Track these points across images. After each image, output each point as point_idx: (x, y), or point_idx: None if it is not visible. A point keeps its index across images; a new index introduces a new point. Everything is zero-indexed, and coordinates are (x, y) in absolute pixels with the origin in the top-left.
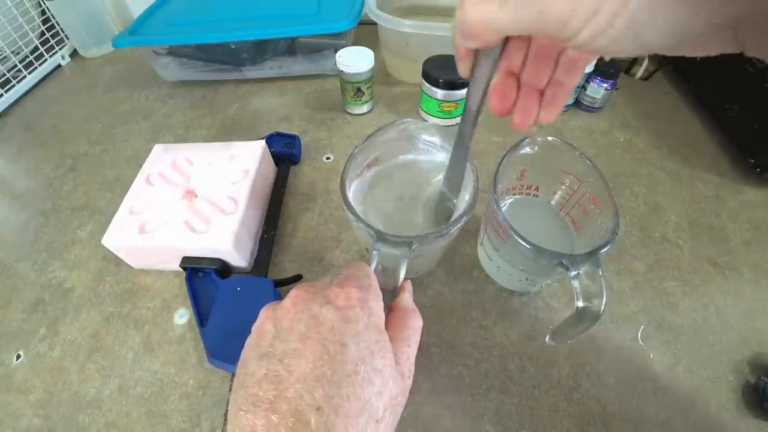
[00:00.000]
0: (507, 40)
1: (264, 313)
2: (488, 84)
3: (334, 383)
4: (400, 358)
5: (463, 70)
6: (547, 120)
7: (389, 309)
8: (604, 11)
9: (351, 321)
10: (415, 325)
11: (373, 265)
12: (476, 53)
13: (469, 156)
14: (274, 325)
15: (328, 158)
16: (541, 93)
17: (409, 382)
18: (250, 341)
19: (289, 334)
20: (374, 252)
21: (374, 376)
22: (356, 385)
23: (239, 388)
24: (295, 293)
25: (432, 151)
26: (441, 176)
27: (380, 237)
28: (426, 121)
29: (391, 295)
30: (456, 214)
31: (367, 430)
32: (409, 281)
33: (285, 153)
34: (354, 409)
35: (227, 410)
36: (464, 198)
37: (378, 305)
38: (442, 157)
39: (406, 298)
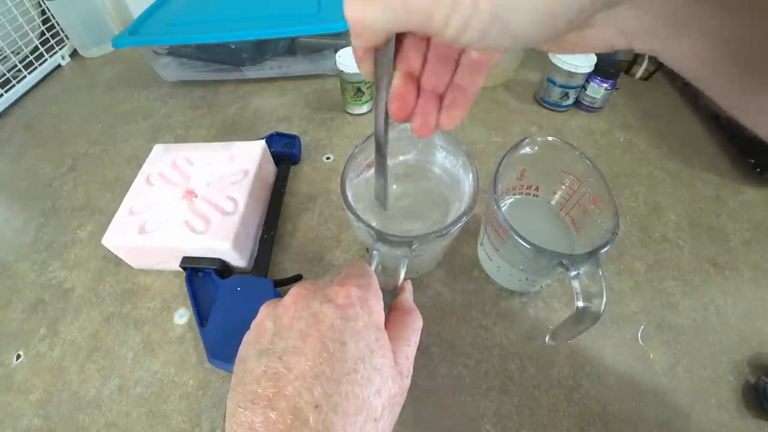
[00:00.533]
0: (400, 40)
1: (264, 310)
2: (389, 86)
3: (333, 381)
4: (399, 357)
5: (363, 72)
6: (448, 126)
7: (389, 309)
8: (465, 2)
9: (351, 319)
10: (415, 325)
11: (374, 265)
12: (375, 56)
13: (469, 161)
14: (274, 323)
15: (328, 158)
16: (441, 98)
17: (407, 381)
18: (249, 338)
19: (289, 331)
20: (374, 252)
21: (373, 375)
22: (355, 383)
23: (238, 385)
24: (295, 291)
25: (432, 150)
26: (441, 178)
27: (380, 237)
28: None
29: (391, 295)
30: (457, 214)
31: (365, 428)
32: (409, 281)
33: (285, 153)
34: (352, 407)
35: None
36: (464, 198)
37: (378, 304)
38: (442, 156)
39: (407, 298)
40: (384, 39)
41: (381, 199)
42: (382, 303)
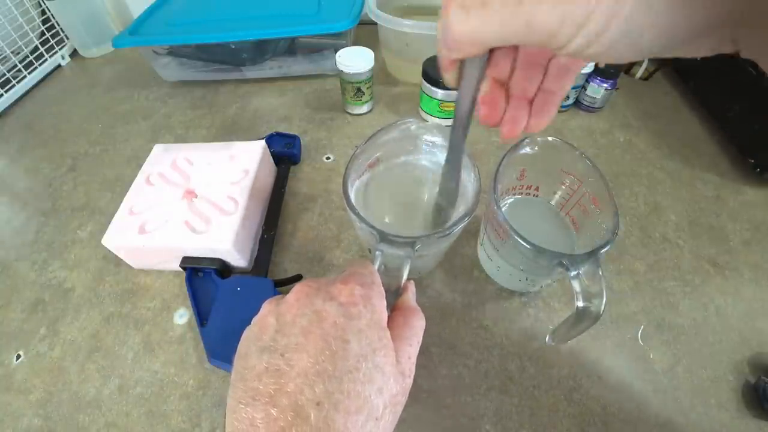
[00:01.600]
0: (493, 49)
1: (267, 307)
2: (476, 93)
3: (335, 379)
4: (401, 357)
5: (448, 79)
6: (538, 128)
7: (392, 309)
8: (594, 20)
9: (354, 317)
10: (417, 324)
11: (376, 266)
12: (462, 62)
13: (471, 160)
14: (277, 320)
15: (328, 158)
16: (531, 102)
17: (409, 381)
18: (250, 334)
19: (291, 328)
20: (377, 252)
21: (375, 374)
22: (357, 381)
23: (238, 381)
24: (298, 288)
25: (434, 151)
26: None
27: (383, 238)
28: (427, 121)
29: (394, 295)
30: (458, 215)
31: (366, 427)
32: (412, 282)
33: (285, 153)
34: (354, 405)
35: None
36: (466, 198)
37: (381, 303)
38: (444, 157)
39: (409, 298)
40: (485, 51)
41: (448, 204)
42: (384, 302)
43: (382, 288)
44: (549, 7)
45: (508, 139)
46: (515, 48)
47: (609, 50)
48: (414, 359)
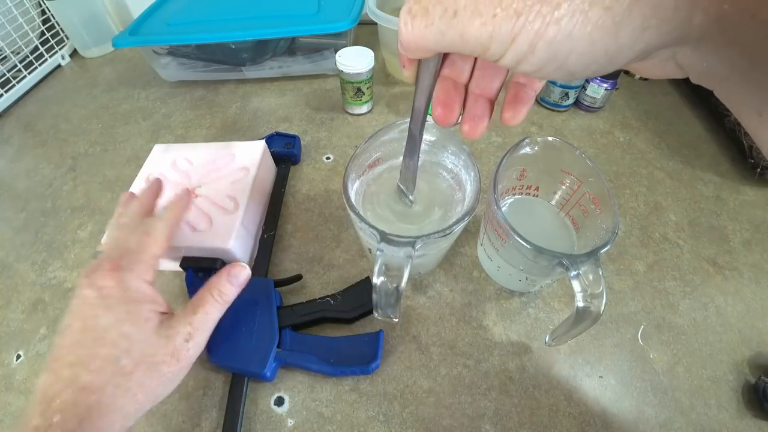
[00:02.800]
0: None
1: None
2: (431, 91)
3: (84, 347)
4: (178, 324)
5: (407, 75)
6: (515, 120)
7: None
8: (521, 41)
9: (106, 297)
10: (207, 298)
11: (377, 266)
12: (419, 61)
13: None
14: (69, 308)
15: (328, 158)
16: (492, 101)
17: (184, 345)
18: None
19: (69, 313)
20: (377, 253)
21: (120, 339)
22: (102, 346)
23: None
24: (79, 280)
25: (434, 150)
26: (443, 177)
27: (384, 238)
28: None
29: (394, 296)
30: (458, 214)
31: (113, 380)
32: (246, 269)
33: (285, 153)
34: (98, 363)
35: (226, 411)
36: (466, 197)
37: (139, 280)
38: (444, 156)
39: (217, 275)
40: (434, 55)
41: (408, 191)
42: (149, 276)
43: (152, 260)
44: (479, 24)
45: (471, 137)
46: None
47: (540, 70)
48: (197, 324)
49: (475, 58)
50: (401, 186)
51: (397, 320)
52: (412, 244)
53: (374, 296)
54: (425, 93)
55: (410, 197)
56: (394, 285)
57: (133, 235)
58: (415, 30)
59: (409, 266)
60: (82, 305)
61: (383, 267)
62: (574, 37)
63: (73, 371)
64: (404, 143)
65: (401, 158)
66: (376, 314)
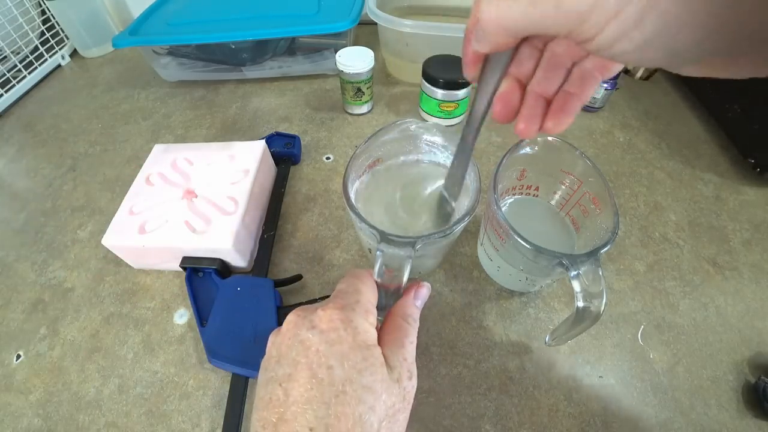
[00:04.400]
0: (519, 45)
1: (270, 339)
2: (495, 90)
3: (323, 404)
4: (394, 362)
5: (471, 74)
6: (556, 130)
7: (387, 314)
8: (629, 10)
9: (335, 343)
10: (407, 326)
11: (377, 266)
12: (485, 58)
13: (471, 159)
14: (277, 351)
15: (328, 158)
16: (549, 103)
17: (409, 383)
18: (261, 364)
19: (285, 359)
20: (378, 253)
21: (363, 394)
22: (345, 404)
23: (255, 411)
24: (289, 318)
25: (434, 151)
26: (443, 178)
27: (384, 238)
28: (426, 121)
29: (394, 296)
30: (458, 214)
31: None
32: (423, 286)
33: (285, 153)
34: (344, 426)
35: (226, 411)
36: (466, 198)
37: (365, 321)
38: (444, 157)
39: (405, 302)
40: (513, 43)
41: (452, 196)
42: (372, 318)
43: (369, 303)
44: None
45: (525, 137)
46: (541, 49)
47: (639, 49)
48: (411, 359)
49: (539, 58)
50: (445, 192)
51: None
52: (412, 245)
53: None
54: (490, 93)
55: (452, 204)
56: (395, 285)
57: (343, 281)
58: (501, 8)
59: (409, 266)
60: (303, 351)
61: (383, 267)
62: (693, 5)
63: None
64: (404, 143)
65: (401, 158)
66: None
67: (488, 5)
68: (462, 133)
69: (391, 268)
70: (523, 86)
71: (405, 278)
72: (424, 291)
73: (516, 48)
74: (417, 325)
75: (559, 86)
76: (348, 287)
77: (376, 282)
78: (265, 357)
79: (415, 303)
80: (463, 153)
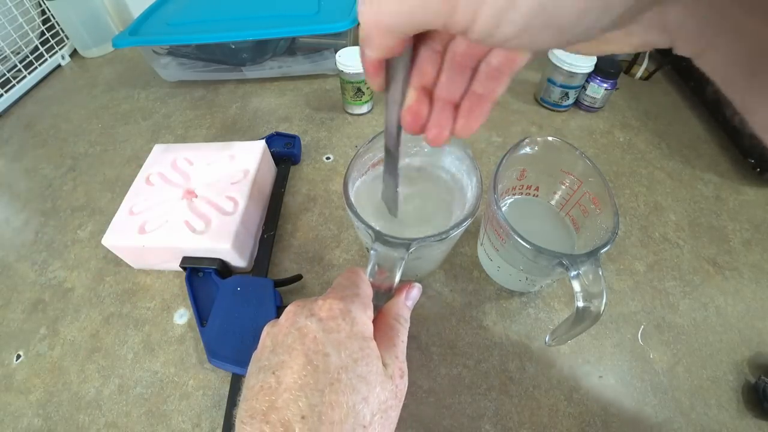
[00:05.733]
0: (415, 52)
1: (265, 330)
2: (403, 97)
3: (317, 392)
4: (388, 359)
5: (374, 84)
6: (467, 133)
7: (378, 312)
8: None
9: (333, 331)
10: (398, 325)
11: (370, 265)
12: (387, 66)
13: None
14: (272, 340)
15: (328, 158)
16: (456, 107)
17: (401, 382)
18: (253, 356)
19: (280, 347)
20: (371, 252)
21: (358, 383)
22: (339, 392)
23: (242, 402)
24: (288, 308)
25: (439, 154)
26: (444, 181)
27: (378, 237)
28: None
29: (386, 296)
30: (456, 219)
31: None
32: (414, 287)
33: (285, 153)
34: (338, 415)
35: (226, 411)
36: (465, 203)
37: (363, 314)
38: (449, 160)
39: (395, 302)
40: (400, 45)
41: (391, 207)
42: (370, 312)
43: (368, 298)
44: None
45: (435, 145)
46: (440, 51)
47: (524, 32)
48: (402, 357)
49: (441, 61)
50: (385, 204)
51: None
52: (407, 246)
53: None
54: (397, 102)
55: (395, 215)
56: (386, 285)
57: (340, 277)
58: (374, 9)
59: (401, 268)
60: (300, 338)
61: (376, 267)
62: None
63: (305, 425)
64: (409, 144)
65: (406, 159)
66: None
67: (363, 6)
68: (384, 145)
69: (383, 268)
70: (430, 95)
71: (396, 279)
72: (415, 291)
73: (415, 52)
74: (408, 325)
75: (465, 89)
76: (346, 281)
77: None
78: (258, 349)
79: (406, 303)
80: (391, 164)
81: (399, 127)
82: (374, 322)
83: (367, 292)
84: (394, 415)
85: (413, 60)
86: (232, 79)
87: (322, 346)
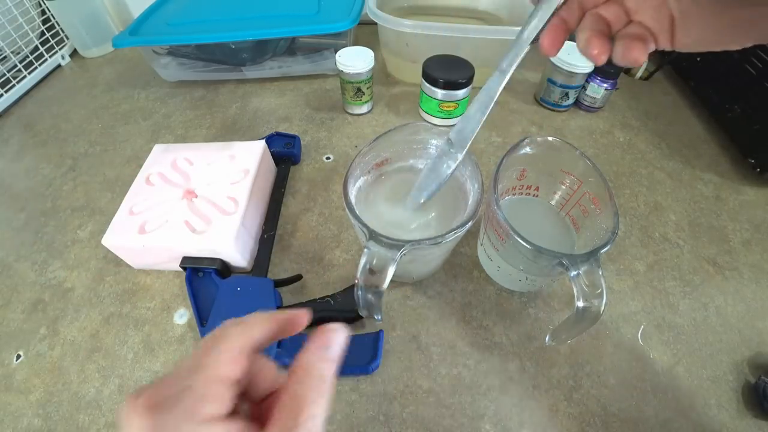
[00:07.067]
0: None
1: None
2: (550, 17)
3: None
4: None
5: None
6: (640, 59)
7: (291, 368)
8: None
9: None
10: (307, 393)
11: (361, 264)
12: None
13: (476, 166)
14: None
15: (328, 158)
16: (609, 36)
17: None
18: None
19: None
20: (365, 250)
21: None
22: None
23: None
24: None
25: (442, 156)
26: (447, 185)
27: (372, 236)
28: (426, 121)
29: (377, 295)
30: (458, 221)
31: None
32: (341, 329)
33: (285, 153)
34: None
35: None
36: (464, 207)
37: (190, 423)
38: (452, 165)
39: (307, 354)
40: None
41: (464, 138)
42: (212, 407)
43: (212, 386)
44: None
45: (595, 56)
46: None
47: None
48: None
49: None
50: (451, 138)
51: (379, 320)
52: (399, 248)
53: (356, 294)
54: (543, 20)
55: (459, 154)
56: (375, 285)
57: (190, 357)
58: None
59: (392, 269)
60: None
61: (368, 266)
62: None
63: None
64: (413, 146)
65: (410, 161)
66: (360, 312)
67: None
68: (500, 61)
69: (375, 267)
70: (569, 27)
71: (387, 280)
72: (336, 337)
73: None
74: (326, 386)
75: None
76: (190, 362)
77: (356, 282)
78: None
79: (325, 354)
80: (494, 83)
81: (534, 41)
82: (280, 387)
83: (219, 371)
84: None
85: None
86: (232, 79)
87: None
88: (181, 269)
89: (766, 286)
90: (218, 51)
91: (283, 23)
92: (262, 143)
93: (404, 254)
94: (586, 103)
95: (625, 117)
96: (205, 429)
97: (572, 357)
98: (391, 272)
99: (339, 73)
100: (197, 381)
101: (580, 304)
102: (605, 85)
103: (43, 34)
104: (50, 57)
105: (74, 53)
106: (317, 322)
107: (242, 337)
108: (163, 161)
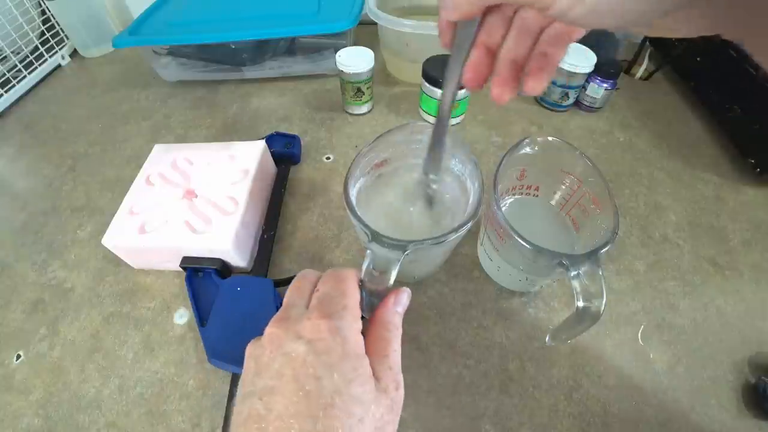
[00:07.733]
0: (488, 14)
1: (248, 350)
2: (466, 57)
3: (310, 418)
4: (381, 372)
5: (444, 41)
6: (535, 90)
7: (369, 322)
8: None
9: (323, 353)
10: (389, 335)
11: (365, 266)
12: (456, 25)
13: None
14: (255, 362)
15: (328, 158)
16: (520, 67)
17: (396, 394)
18: (241, 379)
19: (266, 371)
20: (367, 252)
21: (352, 405)
22: (334, 417)
23: (232, 427)
24: (269, 329)
25: (444, 158)
26: (448, 185)
27: (374, 237)
28: (426, 121)
29: (380, 298)
30: (457, 222)
31: None
32: (402, 292)
33: (285, 153)
34: None
35: (226, 411)
36: (465, 208)
37: (353, 329)
38: (452, 164)
39: (385, 311)
40: (479, 12)
41: (435, 166)
42: (358, 324)
43: (355, 309)
44: None
45: (500, 102)
46: (511, 17)
47: (593, 12)
48: (396, 368)
49: (509, 24)
50: (426, 170)
51: None
52: (402, 248)
53: (360, 296)
54: (460, 62)
55: (433, 176)
56: (380, 288)
57: (326, 282)
58: None
59: (396, 270)
60: (289, 363)
61: (371, 267)
62: None
63: None
64: (414, 146)
65: (411, 161)
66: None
67: None
68: (439, 102)
69: (378, 269)
70: (493, 54)
71: (391, 281)
72: (404, 297)
73: (483, 16)
74: (400, 332)
75: (529, 51)
76: (333, 290)
77: (361, 282)
78: (243, 371)
79: (396, 309)
80: (441, 121)
81: (458, 85)
82: (364, 332)
83: (356, 300)
84: (391, 429)
85: (482, 21)
86: (232, 79)
87: (314, 370)
88: (181, 269)
89: (766, 286)
90: (218, 51)
91: (283, 23)
92: (262, 143)
93: (408, 255)
94: (586, 103)
95: (625, 117)
96: (357, 333)
97: (572, 357)
98: (395, 273)
99: (339, 73)
100: (349, 301)
101: (580, 304)
102: (605, 85)
103: (43, 34)
104: (50, 57)
105: (74, 53)
106: None
107: (356, 275)
108: (163, 161)
